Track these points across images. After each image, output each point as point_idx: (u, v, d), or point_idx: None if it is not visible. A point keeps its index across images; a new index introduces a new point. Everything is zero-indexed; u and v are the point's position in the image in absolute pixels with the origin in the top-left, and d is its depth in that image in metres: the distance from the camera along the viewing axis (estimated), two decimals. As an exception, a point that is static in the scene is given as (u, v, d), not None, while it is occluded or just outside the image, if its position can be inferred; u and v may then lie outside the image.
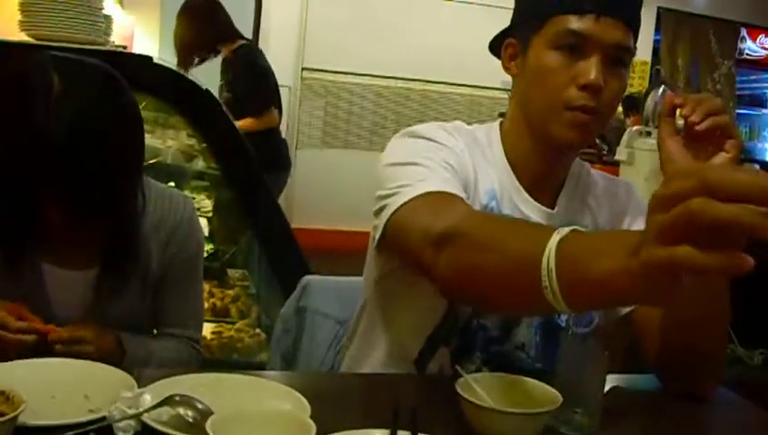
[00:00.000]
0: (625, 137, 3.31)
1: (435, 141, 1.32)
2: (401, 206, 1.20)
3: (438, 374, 1.35)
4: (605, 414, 1.12)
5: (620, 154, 3.33)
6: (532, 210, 1.38)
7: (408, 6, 7.18)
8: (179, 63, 3.94)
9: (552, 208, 1.40)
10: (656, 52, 8.45)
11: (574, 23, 1.26)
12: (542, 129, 1.32)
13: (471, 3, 7.24)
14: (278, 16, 6.97)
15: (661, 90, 4.03)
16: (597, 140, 3.86)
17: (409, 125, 1.38)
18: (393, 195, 1.22)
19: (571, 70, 1.27)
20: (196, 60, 4.02)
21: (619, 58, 1.29)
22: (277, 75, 4.30)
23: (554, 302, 0.87)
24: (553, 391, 1.08)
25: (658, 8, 8.34)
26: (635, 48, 1.31)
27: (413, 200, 1.19)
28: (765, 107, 9.78)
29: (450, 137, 1.35)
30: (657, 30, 8.40)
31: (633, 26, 1.30)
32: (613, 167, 3.49)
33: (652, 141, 3.34)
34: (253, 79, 4.09)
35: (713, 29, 8.63)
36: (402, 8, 7.16)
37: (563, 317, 1.35)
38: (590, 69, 1.26)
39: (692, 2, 8.50)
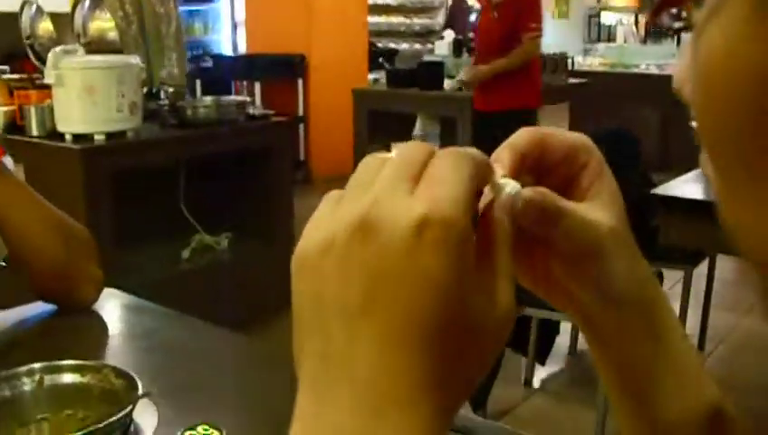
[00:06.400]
0: (51, 59, 3.24)
1: None
2: None
3: None
4: None
5: (49, 77, 3.27)
6: None
7: None
8: None
9: None
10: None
11: None
12: None
13: None
14: None
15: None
16: (36, 65, 3.76)
17: None
18: None
19: None
20: None
21: None
22: None
23: None
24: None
25: None
26: None
27: None
28: (212, 1, 10.23)
29: None
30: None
31: None
32: (48, 90, 3.42)
33: (78, 59, 3.34)
34: None
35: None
36: None
37: None
38: None
39: None
